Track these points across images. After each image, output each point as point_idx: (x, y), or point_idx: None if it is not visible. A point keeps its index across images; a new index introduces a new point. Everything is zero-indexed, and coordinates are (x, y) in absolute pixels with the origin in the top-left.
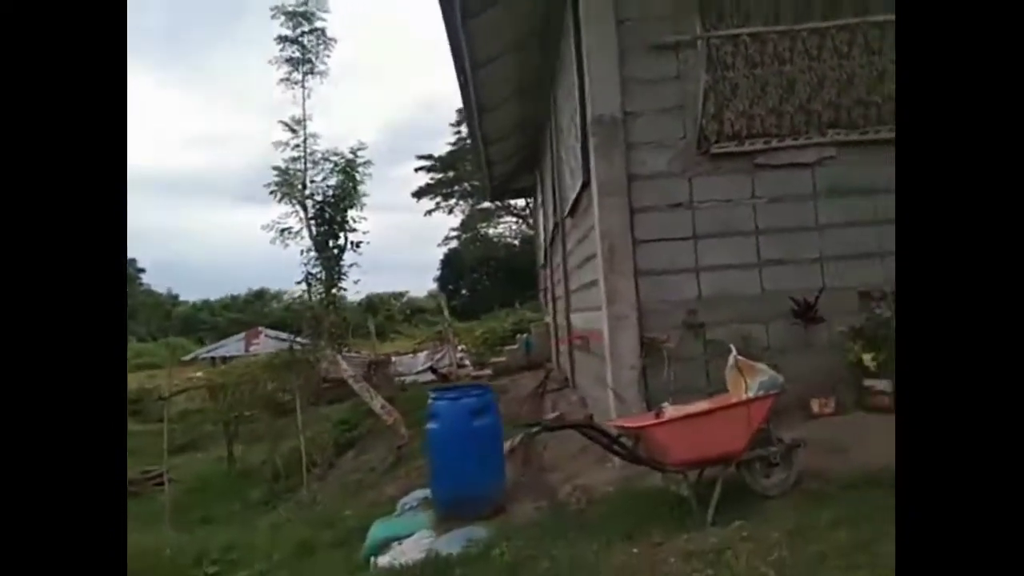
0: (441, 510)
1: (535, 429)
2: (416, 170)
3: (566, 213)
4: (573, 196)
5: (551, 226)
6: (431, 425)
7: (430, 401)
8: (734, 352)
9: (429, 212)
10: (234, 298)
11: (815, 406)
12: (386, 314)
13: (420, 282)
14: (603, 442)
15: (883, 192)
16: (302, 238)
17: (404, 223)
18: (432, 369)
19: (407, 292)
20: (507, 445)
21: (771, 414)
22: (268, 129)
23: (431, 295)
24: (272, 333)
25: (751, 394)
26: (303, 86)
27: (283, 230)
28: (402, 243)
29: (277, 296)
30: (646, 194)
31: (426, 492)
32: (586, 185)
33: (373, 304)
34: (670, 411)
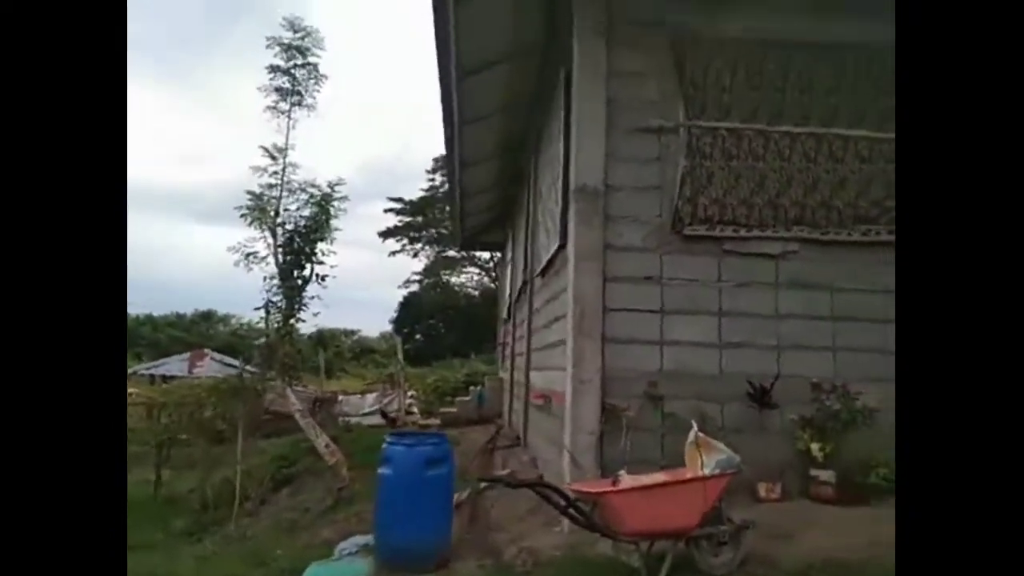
0: (383, 558)
1: (484, 484)
2: (385, 211)
3: (538, 272)
4: (547, 257)
5: (519, 283)
6: (383, 470)
7: (385, 445)
8: (695, 428)
9: (393, 253)
10: (180, 316)
11: (762, 490)
12: (335, 350)
13: (372, 321)
14: (559, 504)
15: (840, 290)
16: (267, 264)
17: (365, 260)
18: (382, 413)
19: (359, 331)
20: (455, 498)
21: (724, 493)
22: (239, 151)
23: (383, 336)
24: (218, 356)
25: (707, 471)
26: (289, 116)
27: (249, 254)
28: (360, 280)
29: (225, 320)
30: (620, 265)
31: (367, 539)
32: (562, 248)
33: (323, 338)
34: (627, 480)
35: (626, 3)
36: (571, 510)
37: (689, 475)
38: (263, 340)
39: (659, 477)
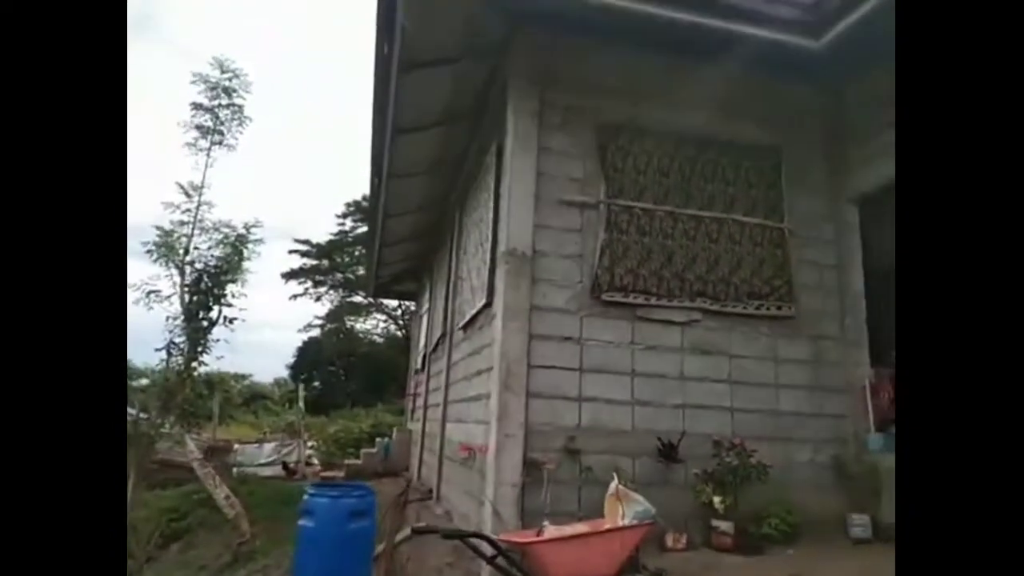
0: None
1: (402, 536)
2: (290, 252)
3: (460, 326)
4: (471, 312)
5: (437, 335)
6: (304, 522)
7: (307, 496)
8: (616, 480)
9: (295, 296)
10: None
11: (669, 540)
12: (224, 396)
13: (266, 366)
14: (487, 555)
15: (736, 356)
16: (171, 304)
17: (260, 301)
18: (284, 464)
19: (251, 375)
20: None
21: (641, 542)
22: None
23: (277, 382)
24: None
25: (626, 522)
26: (208, 154)
27: (151, 292)
28: (253, 322)
29: None
30: (544, 324)
31: None
32: (488, 305)
33: (212, 383)
34: (551, 530)
35: (557, 89)
36: (499, 559)
37: (609, 525)
38: (152, 384)
39: (582, 527)
